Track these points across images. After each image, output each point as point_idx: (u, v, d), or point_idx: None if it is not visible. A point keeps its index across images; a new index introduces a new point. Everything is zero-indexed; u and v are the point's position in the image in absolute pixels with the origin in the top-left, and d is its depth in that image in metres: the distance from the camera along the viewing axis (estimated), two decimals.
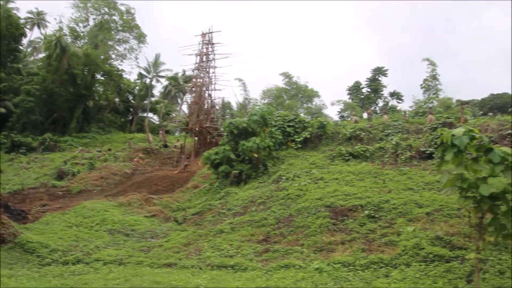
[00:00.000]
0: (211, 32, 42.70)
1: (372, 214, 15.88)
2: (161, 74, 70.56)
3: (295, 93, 63.69)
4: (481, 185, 9.06)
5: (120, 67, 60.07)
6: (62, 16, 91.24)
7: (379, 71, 64.67)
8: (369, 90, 64.89)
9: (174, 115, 65.53)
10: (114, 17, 61.00)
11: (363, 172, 21.91)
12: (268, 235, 16.25)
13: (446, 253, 12.38)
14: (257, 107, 37.78)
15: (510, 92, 67.30)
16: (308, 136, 28.93)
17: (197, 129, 39.36)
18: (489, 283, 10.57)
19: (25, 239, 15.70)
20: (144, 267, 13.85)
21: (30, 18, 72.20)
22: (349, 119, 45.91)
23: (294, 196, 19.30)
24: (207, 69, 42.49)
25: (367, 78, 65.00)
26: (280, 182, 22.14)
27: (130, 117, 64.83)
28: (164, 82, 72.65)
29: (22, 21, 59.41)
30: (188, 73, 63.56)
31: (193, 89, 43.21)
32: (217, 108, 45.30)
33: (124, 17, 60.95)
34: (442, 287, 10.60)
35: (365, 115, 46.07)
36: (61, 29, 57.72)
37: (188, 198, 25.06)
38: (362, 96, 64.46)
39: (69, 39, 55.54)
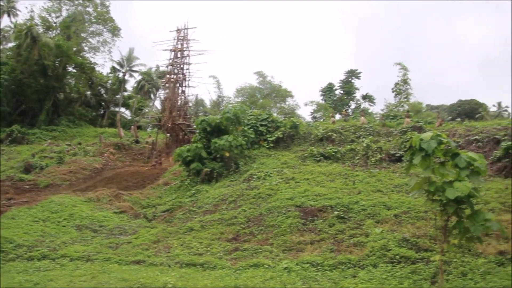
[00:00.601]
0: (187, 28, 42.47)
1: (342, 215, 16.07)
2: (135, 68, 69.75)
3: (269, 92, 63.83)
4: (447, 189, 9.28)
5: (92, 60, 59.02)
6: (33, 5, 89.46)
7: (352, 74, 65.41)
8: (342, 92, 65.54)
9: (146, 110, 64.86)
10: (88, 9, 59.97)
11: (333, 173, 22.15)
12: (238, 233, 16.28)
13: (412, 255, 12.63)
14: (231, 105, 37.70)
15: (477, 99, 68.99)
16: (281, 135, 29.06)
17: (169, 125, 39.08)
18: (452, 284, 10.83)
19: None
20: (112, 264, 13.68)
21: None
22: (321, 119, 46.23)
23: (265, 195, 19.37)
24: (181, 65, 42.19)
25: (341, 80, 65.71)
26: (251, 181, 22.18)
27: (102, 111, 63.86)
28: (138, 77, 71.86)
29: None
30: (162, 68, 62.94)
31: (167, 85, 42.87)
32: (190, 105, 45.10)
33: (98, 9, 59.99)
34: None
35: (338, 117, 46.53)
36: (32, 18, 56.37)
37: (158, 195, 24.86)
38: (335, 98, 65.07)
39: (40, 29, 54.24)
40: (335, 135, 28.29)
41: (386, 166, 23.08)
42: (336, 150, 25.83)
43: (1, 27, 63.61)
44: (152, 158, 35.35)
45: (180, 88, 42.04)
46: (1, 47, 55.88)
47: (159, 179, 28.40)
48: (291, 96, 64.74)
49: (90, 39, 60.64)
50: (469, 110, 64.49)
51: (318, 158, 25.31)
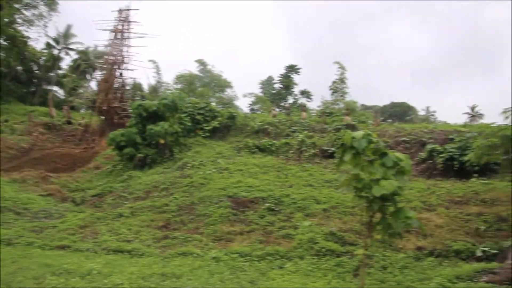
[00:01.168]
0: (129, 9, 41.24)
1: (272, 207, 16.35)
2: (71, 46, 66.84)
3: (209, 81, 63.38)
4: (374, 186, 9.67)
5: (26, 34, 55.88)
6: None
7: (292, 69, 66.12)
8: (281, 86, 66.18)
9: (81, 91, 62.43)
10: None
11: (267, 165, 22.43)
12: (169, 221, 16.18)
13: (338, 248, 13.09)
14: (169, 91, 37.12)
15: (408, 102, 72.04)
16: (217, 125, 29.04)
17: (104, 108, 37.93)
18: (373, 277, 11.34)
19: None
20: (35, 249, 13.20)
21: None
22: (258, 112, 46.53)
23: (198, 184, 19.32)
24: (121, 47, 41.01)
25: (280, 74, 66.25)
26: (185, 169, 22.05)
27: (33, 89, 60.81)
28: (74, 55, 68.94)
29: None
30: (100, 49, 60.75)
31: (104, 66, 41.54)
32: (127, 89, 43.91)
33: None
34: (331, 280, 11.18)
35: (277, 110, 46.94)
36: None
37: (88, 178, 24.16)
38: (274, 91, 65.60)
39: None
40: (271, 128, 28.60)
41: (319, 162, 23.65)
42: (271, 143, 26.16)
43: None
44: (84, 140, 34.21)
45: (118, 70, 40.88)
46: None
47: (90, 163, 27.60)
48: (230, 87, 64.63)
49: (24, 11, 57.32)
50: (400, 113, 67.27)
51: (253, 150, 25.53)
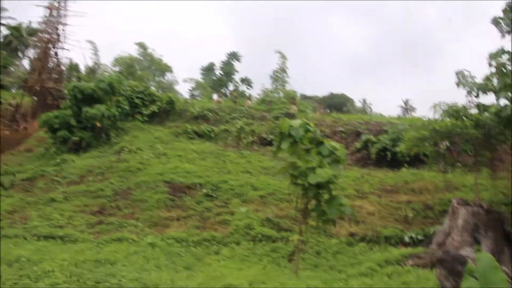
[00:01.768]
0: None
1: (210, 193, 16.37)
2: (2, 21, 63.28)
3: (148, 65, 62.01)
4: (310, 174, 9.93)
5: None
6: None
7: (234, 56, 65.97)
8: (222, 73, 65.93)
9: (12, 69, 59.41)
10: None
11: (205, 151, 22.34)
12: (103, 207, 15.83)
13: (273, 234, 13.34)
14: (107, 74, 36.02)
15: (346, 93, 73.87)
16: (156, 110, 28.53)
17: (37, 88, 36.28)
18: (307, 262, 11.66)
19: None
20: None
21: None
22: (198, 98, 46.11)
23: (135, 169, 18.97)
24: (56, 25, 39.23)
25: (222, 61, 65.95)
26: (122, 154, 21.57)
27: None
28: (5, 31, 65.28)
29: None
30: (34, 25, 57.84)
31: (38, 44, 39.65)
32: (62, 69, 42.19)
33: None
34: (266, 265, 11.39)
35: (214, 96, 46.69)
36: None
37: (19, 161, 23.06)
38: (215, 78, 65.25)
39: None
40: (210, 114, 28.46)
41: (257, 149, 23.82)
42: (210, 129, 26.05)
43: None
44: (14, 121, 32.61)
45: (53, 49, 39.15)
46: None
47: (21, 145, 26.37)
48: (171, 71, 63.59)
49: None
50: (338, 103, 68.74)
51: (192, 136, 25.34)
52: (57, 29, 39.06)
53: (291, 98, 36.35)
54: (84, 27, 60.86)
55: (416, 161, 19.83)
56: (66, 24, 39.07)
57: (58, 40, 39.04)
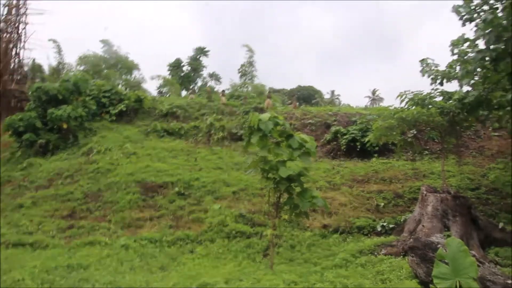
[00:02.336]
0: None
1: (182, 192, 16.26)
2: None
3: (115, 63, 60.97)
4: (281, 168, 9.94)
5: None
6: None
7: (201, 51, 65.56)
8: (189, 68, 65.44)
9: None
10: None
11: (176, 149, 22.16)
12: (74, 210, 15.57)
13: (248, 230, 13.34)
14: (72, 73, 35.29)
15: (314, 86, 74.35)
16: (124, 109, 28.10)
17: None
18: (282, 256, 11.70)
19: None
20: None
21: None
22: (167, 95, 45.65)
23: (105, 170, 18.69)
24: (17, 24, 38.19)
25: (189, 57, 65.44)
26: (91, 155, 21.21)
27: None
28: None
29: None
30: None
31: None
32: (25, 70, 41.17)
33: None
34: (241, 261, 11.38)
35: (183, 93, 46.38)
36: None
37: None
38: (182, 74, 64.71)
39: None
40: (180, 111, 28.21)
41: (228, 145, 23.74)
42: (180, 126, 25.83)
43: None
44: None
45: (14, 49, 38.12)
46: None
47: None
48: (138, 69, 62.69)
49: None
50: (307, 96, 69.12)
51: (162, 134, 25.09)
52: (17, 28, 38.05)
53: (268, 92, 36.30)
54: (46, 25, 59.39)
55: (385, 150, 20.11)
56: (27, 23, 38.09)
57: (19, 40, 38.07)
